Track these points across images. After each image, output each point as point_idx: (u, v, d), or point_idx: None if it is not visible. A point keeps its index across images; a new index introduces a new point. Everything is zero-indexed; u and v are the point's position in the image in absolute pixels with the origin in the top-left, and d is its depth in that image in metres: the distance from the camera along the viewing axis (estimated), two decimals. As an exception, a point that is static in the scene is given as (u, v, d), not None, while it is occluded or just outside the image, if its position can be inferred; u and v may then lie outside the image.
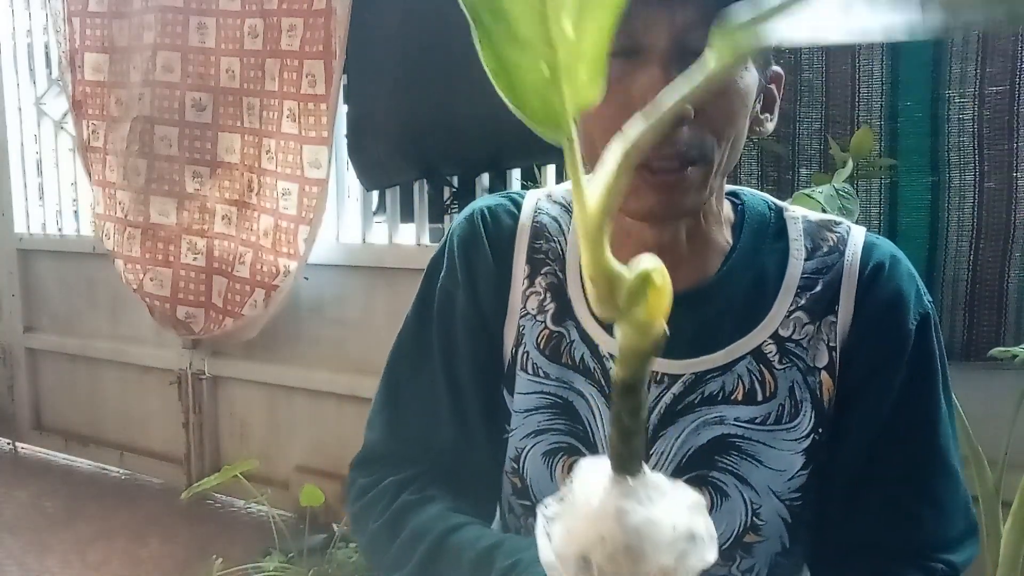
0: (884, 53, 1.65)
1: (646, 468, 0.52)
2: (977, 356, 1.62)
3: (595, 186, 0.44)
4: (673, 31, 0.67)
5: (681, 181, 0.70)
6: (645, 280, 0.47)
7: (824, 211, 1.26)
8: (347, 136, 2.35)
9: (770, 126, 0.79)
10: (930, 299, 0.79)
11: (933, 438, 0.77)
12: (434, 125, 2.17)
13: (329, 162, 2.30)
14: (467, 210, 0.89)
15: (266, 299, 2.45)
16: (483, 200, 0.89)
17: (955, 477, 0.78)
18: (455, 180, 2.41)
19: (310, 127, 2.31)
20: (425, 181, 2.33)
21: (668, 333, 0.47)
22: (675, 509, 0.52)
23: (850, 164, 1.39)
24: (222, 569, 2.00)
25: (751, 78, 0.71)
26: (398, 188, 2.37)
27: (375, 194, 2.50)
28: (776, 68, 0.78)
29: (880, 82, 1.66)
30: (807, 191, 1.29)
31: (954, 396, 1.25)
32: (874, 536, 0.77)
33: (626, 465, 0.51)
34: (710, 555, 0.51)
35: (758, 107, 0.76)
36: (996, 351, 1.38)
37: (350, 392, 2.43)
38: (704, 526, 0.53)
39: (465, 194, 2.36)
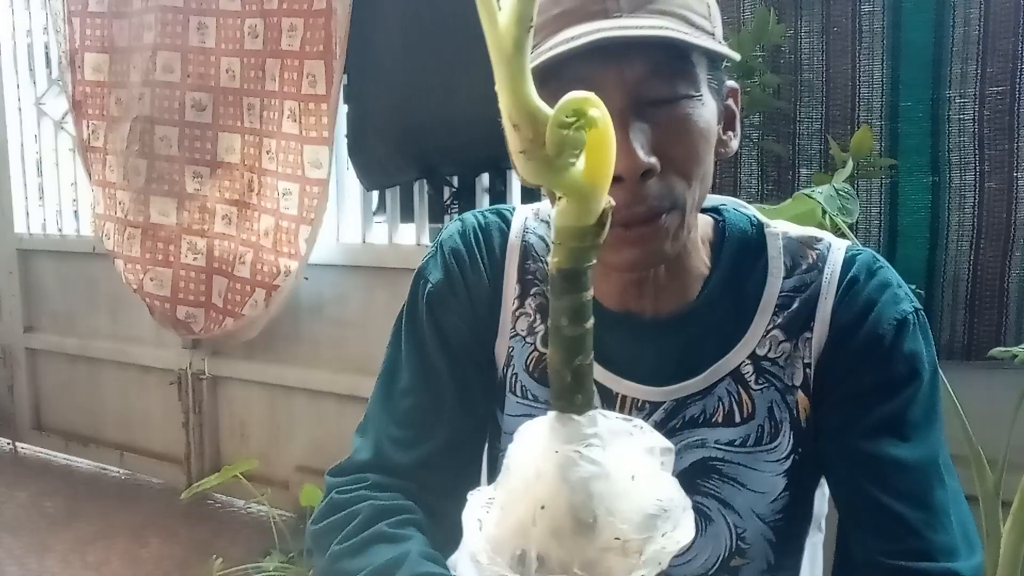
0: (884, 53, 1.65)
1: (598, 405, 0.42)
2: (977, 356, 1.62)
3: None
4: (626, 87, 0.66)
5: (657, 231, 0.69)
6: (579, 112, 0.36)
7: (824, 212, 1.26)
8: (347, 136, 2.35)
9: (734, 144, 0.78)
10: (916, 305, 0.77)
11: (918, 442, 0.74)
12: (434, 125, 2.17)
13: (329, 162, 2.30)
14: (457, 223, 0.88)
15: (267, 299, 2.45)
16: (473, 215, 0.88)
17: (945, 483, 0.75)
18: (455, 180, 2.41)
19: (311, 127, 2.31)
20: (425, 181, 2.32)
21: (613, 204, 0.39)
22: (635, 456, 0.41)
23: (850, 164, 1.38)
24: (222, 569, 2.00)
25: (709, 112, 0.70)
26: (398, 188, 2.37)
27: (375, 194, 2.49)
28: (731, 83, 0.77)
29: (880, 82, 1.66)
30: (807, 191, 1.29)
31: (955, 397, 1.25)
32: (872, 548, 0.74)
33: (570, 396, 0.40)
34: (685, 533, 0.41)
35: (719, 129, 0.75)
36: (996, 351, 1.38)
37: (350, 392, 2.43)
38: (675, 488, 0.42)
39: (465, 194, 2.36)
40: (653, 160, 0.66)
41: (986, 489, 1.30)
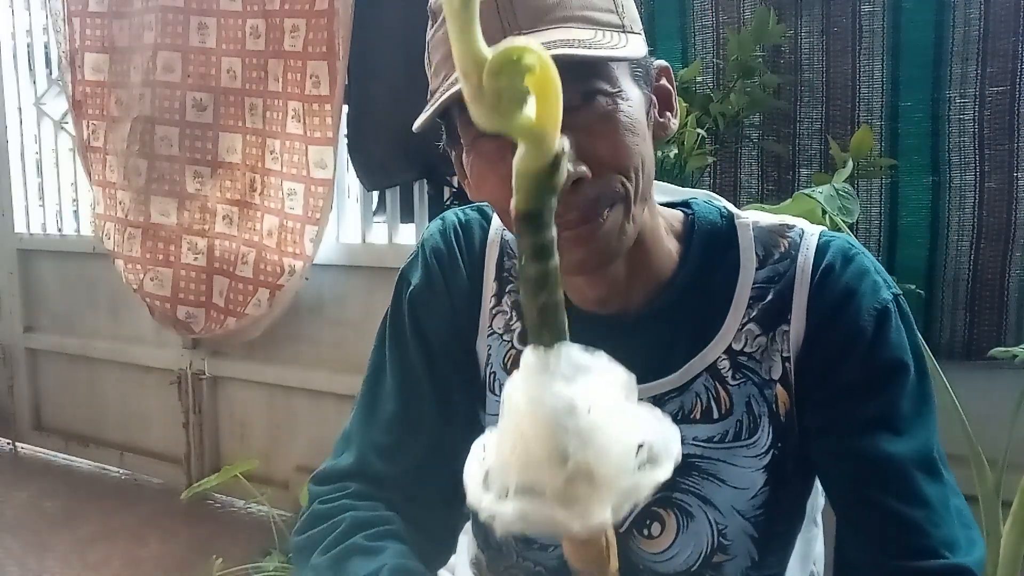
0: (884, 53, 1.65)
1: (567, 341, 0.43)
2: (977, 356, 1.62)
3: None
4: None
5: (599, 227, 0.67)
6: (516, 60, 0.37)
7: (824, 212, 1.26)
8: (347, 136, 2.35)
9: (675, 123, 0.76)
10: (895, 291, 0.75)
11: (911, 436, 0.72)
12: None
13: (334, 162, 2.30)
14: (438, 222, 0.88)
15: (271, 299, 2.45)
16: (454, 212, 0.88)
17: (942, 475, 0.73)
18: (455, 180, 2.41)
19: (315, 127, 2.31)
20: (425, 181, 2.32)
21: (567, 149, 0.41)
22: (599, 390, 0.43)
23: (850, 164, 1.38)
24: (222, 569, 2.00)
25: (634, 101, 0.68)
26: (398, 188, 2.37)
27: (375, 194, 2.49)
28: (659, 62, 0.74)
29: (880, 82, 1.66)
30: (807, 191, 1.29)
31: (955, 397, 1.25)
32: (873, 548, 0.72)
33: (538, 333, 0.43)
34: (663, 471, 0.43)
35: (655, 113, 0.73)
36: (996, 351, 1.38)
37: (350, 392, 2.42)
38: (652, 423, 0.44)
39: (465, 194, 2.36)
40: (583, 168, 0.64)
41: (986, 489, 1.30)
